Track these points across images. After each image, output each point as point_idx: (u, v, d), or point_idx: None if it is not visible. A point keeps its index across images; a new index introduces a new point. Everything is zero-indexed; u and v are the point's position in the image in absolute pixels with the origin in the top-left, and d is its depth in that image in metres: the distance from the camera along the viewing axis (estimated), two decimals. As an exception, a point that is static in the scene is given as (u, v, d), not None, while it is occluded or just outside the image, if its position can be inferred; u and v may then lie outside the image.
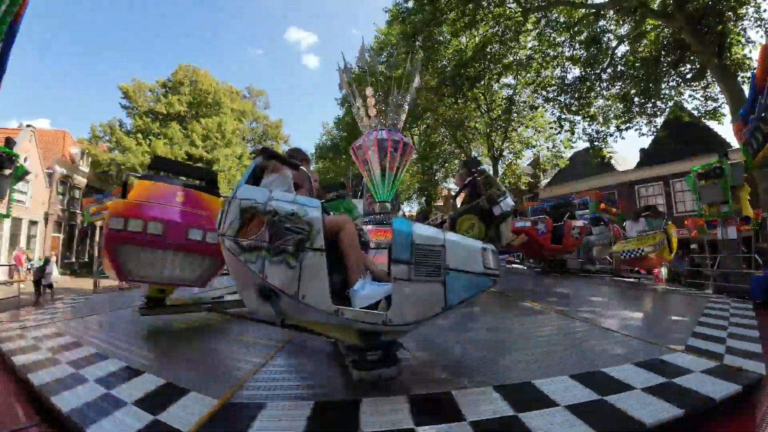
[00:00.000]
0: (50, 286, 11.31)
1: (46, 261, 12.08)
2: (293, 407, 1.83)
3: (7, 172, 6.05)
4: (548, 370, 2.23)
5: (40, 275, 11.30)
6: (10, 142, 6.19)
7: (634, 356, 2.46)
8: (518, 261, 12.30)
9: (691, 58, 13.00)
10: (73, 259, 25.56)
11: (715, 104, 13.29)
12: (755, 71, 5.47)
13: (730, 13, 11.15)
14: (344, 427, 1.66)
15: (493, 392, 1.93)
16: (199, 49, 78.64)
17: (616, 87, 14.91)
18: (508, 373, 2.24)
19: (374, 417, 1.70)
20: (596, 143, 16.05)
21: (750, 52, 11.54)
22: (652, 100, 14.46)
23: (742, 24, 11.48)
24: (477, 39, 16.69)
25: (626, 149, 62.01)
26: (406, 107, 11.63)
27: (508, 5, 14.95)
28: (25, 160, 18.47)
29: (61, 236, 24.83)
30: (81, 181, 27.09)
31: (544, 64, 16.64)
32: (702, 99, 13.53)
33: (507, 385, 2.03)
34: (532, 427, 1.59)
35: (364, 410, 1.76)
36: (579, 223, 8.05)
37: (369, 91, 10.80)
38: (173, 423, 1.70)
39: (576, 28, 14.67)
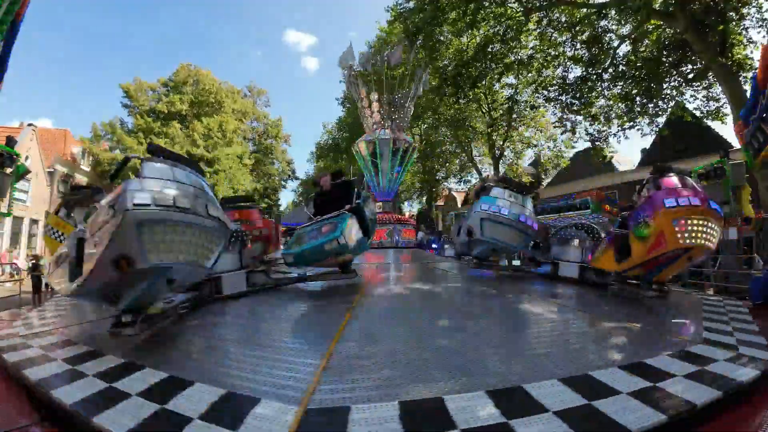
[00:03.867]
0: (47, 285, 11.29)
1: (37, 259, 12.04)
2: (283, 410, 1.83)
3: (8, 170, 6.06)
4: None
5: (34, 273, 11.28)
6: (11, 141, 6.20)
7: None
8: None
9: (693, 58, 12.96)
10: (74, 258, 25.56)
11: (717, 104, 13.27)
12: (757, 71, 5.45)
13: (732, 14, 11.13)
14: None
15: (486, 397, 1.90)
16: (198, 51, 78.69)
17: (618, 87, 14.87)
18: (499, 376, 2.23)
19: (365, 427, 1.67)
20: (598, 143, 16.03)
21: (752, 52, 11.53)
22: (654, 100, 14.43)
23: (744, 24, 11.46)
24: (478, 38, 16.65)
25: (627, 149, 61.95)
26: (411, 106, 11.66)
27: (510, 5, 14.91)
28: (26, 159, 18.50)
29: (62, 235, 24.84)
30: (82, 180, 27.14)
31: (545, 63, 16.61)
32: (704, 99, 13.53)
33: (500, 389, 1.99)
34: None
35: (354, 418, 1.74)
36: None
37: (363, 92, 10.85)
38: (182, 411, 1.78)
39: (578, 28, 14.63)
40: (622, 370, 2.24)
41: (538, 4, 14.47)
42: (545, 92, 17.12)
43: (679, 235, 3.60)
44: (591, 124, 15.76)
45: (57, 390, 2.00)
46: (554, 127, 18.55)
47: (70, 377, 2.21)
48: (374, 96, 11.06)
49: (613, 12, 13.32)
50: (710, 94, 13.35)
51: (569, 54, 15.64)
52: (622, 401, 1.85)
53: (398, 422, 1.69)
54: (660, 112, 14.75)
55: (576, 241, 6.32)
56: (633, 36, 13.63)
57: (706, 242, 3.63)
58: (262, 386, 2.08)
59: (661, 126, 15.18)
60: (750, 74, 10.52)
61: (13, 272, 17.76)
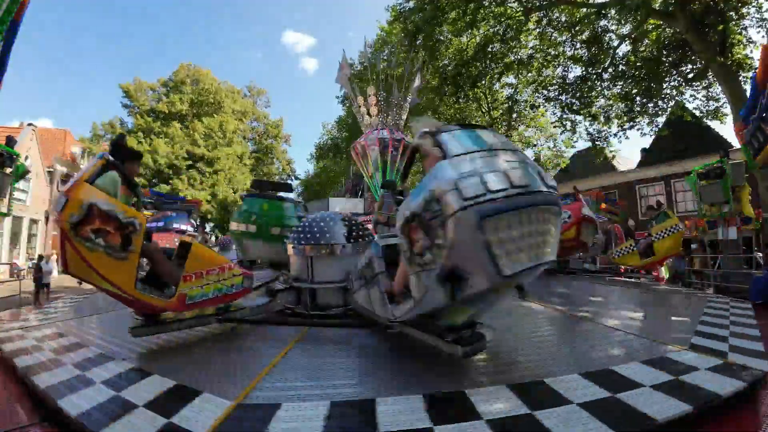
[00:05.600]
0: (47, 285, 11.31)
1: (40, 259, 12.08)
2: (309, 407, 1.84)
3: (8, 170, 6.06)
4: (558, 369, 2.28)
5: (38, 274, 11.31)
6: (10, 141, 6.20)
7: (639, 355, 2.51)
8: None
9: (693, 57, 12.96)
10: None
11: (716, 104, 13.27)
12: (756, 71, 5.45)
13: (731, 13, 11.12)
14: (362, 427, 1.67)
15: (508, 390, 1.95)
16: (197, 52, 78.84)
17: (618, 86, 14.86)
18: (521, 371, 2.28)
19: (391, 417, 1.72)
20: (598, 143, 16.03)
21: (751, 52, 11.52)
22: (654, 100, 14.42)
23: (744, 24, 11.45)
24: (478, 38, 16.65)
25: (627, 149, 62.01)
26: (407, 106, 11.65)
27: (509, 4, 14.90)
28: (26, 158, 18.50)
29: (62, 235, 24.84)
30: (82, 179, 27.09)
31: (545, 63, 16.60)
32: (703, 99, 13.52)
33: (521, 383, 2.05)
34: (548, 426, 1.62)
35: (381, 410, 1.78)
36: None
37: (371, 89, 10.80)
38: (187, 425, 1.68)
39: (577, 28, 14.62)
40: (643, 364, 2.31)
41: (537, 4, 14.45)
42: (545, 92, 17.12)
43: None
44: (591, 124, 15.76)
45: (63, 399, 1.99)
46: (554, 126, 18.54)
47: (77, 384, 2.20)
48: (371, 97, 11.03)
49: (613, 12, 13.30)
50: (710, 94, 13.35)
51: (569, 54, 15.64)
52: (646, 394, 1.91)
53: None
54: (660, 112, 14.74)
55: None
56: (633, 36, 13.62)
57: None
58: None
59: (661, 126, 15.17)
60: (750, 74, 10.51)
61: (14, 272, 17.76)
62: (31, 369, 2.37)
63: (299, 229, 3.76)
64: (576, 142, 18.52)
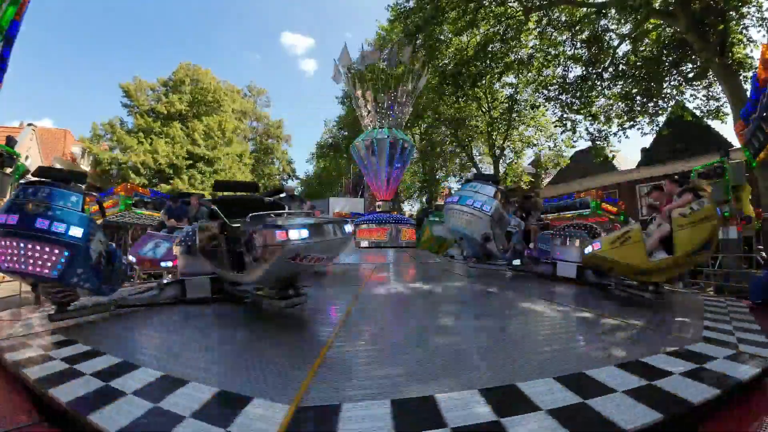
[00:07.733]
0: None
1: None
2: (273, 408, 1.84)
3: (8, 170, 6.07)
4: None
5: None
6: (11, 141, 6.22)
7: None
8: None
9: (693, 57, 12.95)
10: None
11: (717, 103, 13.26)
12: (757, 71, 5.45)
13: (732, 13, 11.11)
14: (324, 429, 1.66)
15: (478, 396, 1.89)
16: (197, 53, 78.91)
17: (618, 86, 14.86)
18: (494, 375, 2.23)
19: (354, 423, 1.68)
20: (598, 142, 16.02)
21: (752, 51, 11.52)
22: (654, 100, 14.42)
23: (744, 23, 11.44)
24: (478, 38, 16.65)
25: (627, 149, 61.92)
26: (410, 105, 11.65)
27: (510, 4, 14.91)
28: (26, 158, 18.50)
29: (63, 235, 24.85)
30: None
31: (545, 63, 16.60)
32: (704, 98, 13.50)
33: (492, 388, 1.99)
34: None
35: (344, 416, 1.74)
36: None
37: (369, 95, 10.81)
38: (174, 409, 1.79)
39: (577, 27, 14.62)
40: (619, 368, 2.25)
41: (538, 4, 14.46)
42: (545, 91, 17.11)
43: None
44: (591, 124, 15.76)
45: (55, 389, 2.01)
46: (554, 126, 18.53)
47: (67, 376, 2.22)
48: (370, 95, 11.01)
49: (613, 11, 13.30)
50: (710, 94, 13.33)
51: (569, 53, 15.63)
52: (617, 399, 1.85)
53: (390, 421, 1.69)
54: (660, 112, 14.73)
55: (576, 241, 5.94)
56: (633, 35, 13.62)
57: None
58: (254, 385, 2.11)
59: (661, 125, 15.16)
60: (750, 73, 10.51)
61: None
62: (26, 367, 2.37)
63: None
64: (576, 141, 18.47)
